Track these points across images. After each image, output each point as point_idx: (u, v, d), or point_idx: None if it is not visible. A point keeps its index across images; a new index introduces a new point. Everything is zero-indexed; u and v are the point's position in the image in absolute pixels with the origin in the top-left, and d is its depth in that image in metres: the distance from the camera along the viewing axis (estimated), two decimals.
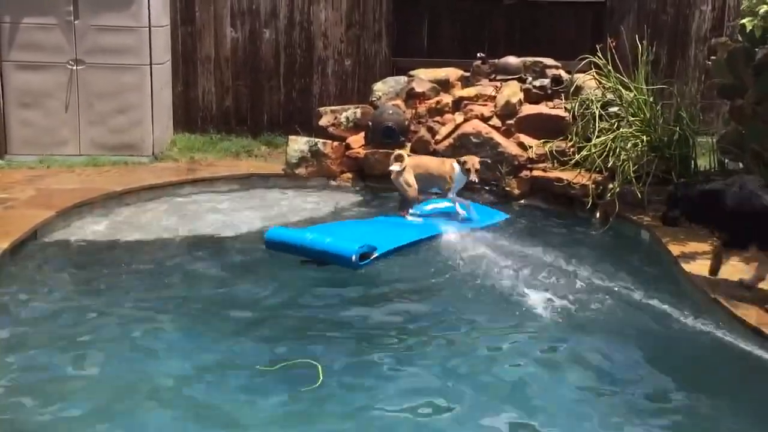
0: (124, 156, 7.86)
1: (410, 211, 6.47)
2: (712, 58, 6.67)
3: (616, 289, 5.10)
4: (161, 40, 8.18)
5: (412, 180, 6.46)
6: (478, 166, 6.38)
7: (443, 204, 6.63)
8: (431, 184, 6.58)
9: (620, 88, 6.89)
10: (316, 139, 7.54)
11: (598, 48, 7.08)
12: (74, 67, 7.76)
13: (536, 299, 4.93)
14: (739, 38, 6.21)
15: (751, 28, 5.67)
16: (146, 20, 7.78)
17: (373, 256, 5.60)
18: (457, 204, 6.49)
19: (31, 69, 7.74)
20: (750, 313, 4.53)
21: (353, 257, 5.42)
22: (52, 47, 7.71)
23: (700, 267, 5.17)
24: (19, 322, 4.59)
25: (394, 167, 6.43)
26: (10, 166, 7.57)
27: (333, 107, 7.85)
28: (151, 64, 7.89)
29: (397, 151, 6.61)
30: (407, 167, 6.46)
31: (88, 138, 7.91)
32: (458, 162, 6.44)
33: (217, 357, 4.22)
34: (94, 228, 6.24)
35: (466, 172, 6.36)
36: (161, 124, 8.24)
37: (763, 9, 5.53)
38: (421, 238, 6.03)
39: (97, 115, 7.90)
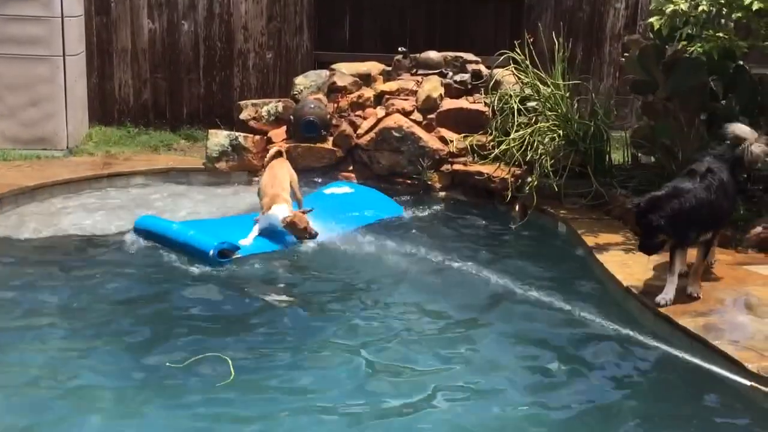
0: (37, 150, 7.59)
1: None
2: (625, 55, 6.88)
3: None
4: (75, 30, 7.93)
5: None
6: (303, 225, 5.60)
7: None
8: None
9: (538, 83, 7.01)
10: (237, 133, 7.42)
11: (516, 44, 7.20)
12: None
13: None
14: (651, 36, 6.41)
15: (658, 26, 5.85)
16: (59, 10, 7.53)
17: (235, 255, 5.47)
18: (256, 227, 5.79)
19: None
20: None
21: (211, 252, 5.33)
22: None
23: (611, 257, 5.38)
24: None
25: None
26: None
27: (254, 101, 7.75)
28: (64, 55, 7.64)
29: (276, 148, 6.48)
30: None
31: None
32: (284, 220, 5.62)
33: None
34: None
35: (291, 229, 5.65)
36: (76, 118, 7.99)
37: (669, 8, 5.72)
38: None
39: (7, 108, 7.62)
